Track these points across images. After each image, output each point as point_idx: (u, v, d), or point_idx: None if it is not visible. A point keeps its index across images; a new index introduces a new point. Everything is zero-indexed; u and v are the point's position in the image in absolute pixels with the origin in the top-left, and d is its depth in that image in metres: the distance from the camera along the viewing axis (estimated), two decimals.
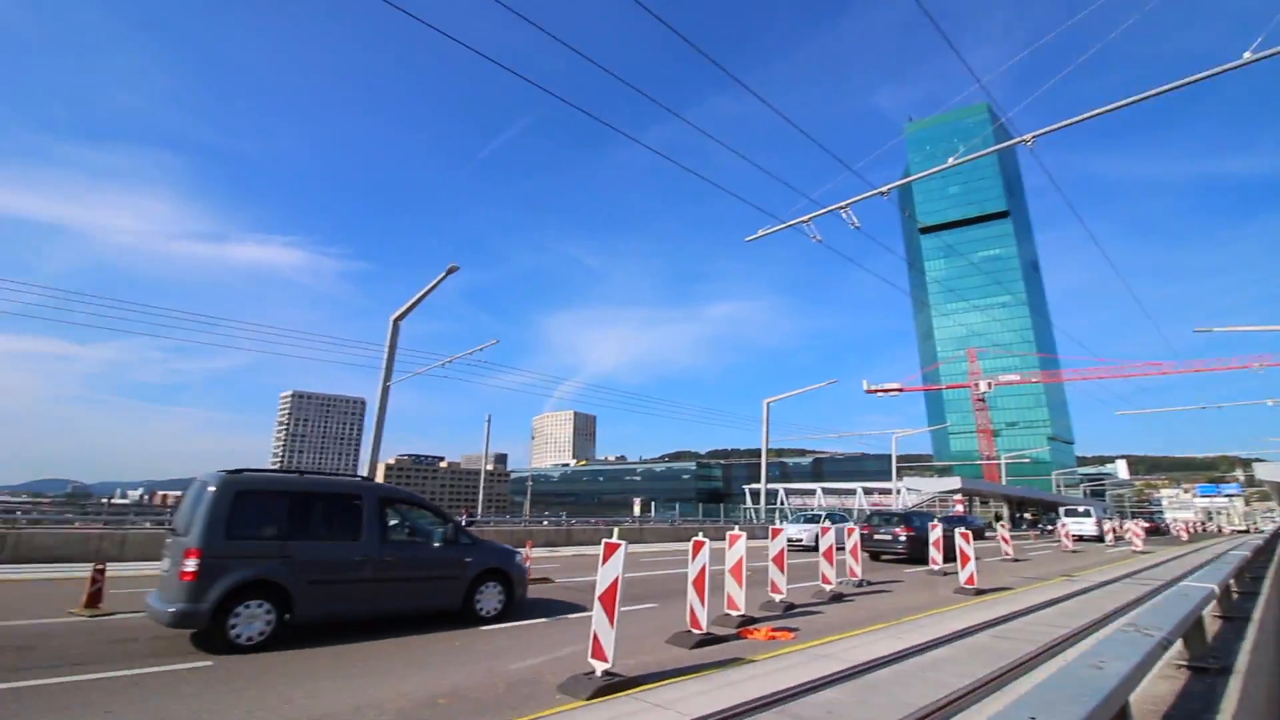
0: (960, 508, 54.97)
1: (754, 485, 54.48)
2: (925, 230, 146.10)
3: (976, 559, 11.97)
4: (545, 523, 29.74)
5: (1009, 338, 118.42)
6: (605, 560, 5.96)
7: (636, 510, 33.83)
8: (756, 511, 44.47)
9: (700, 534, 7.97)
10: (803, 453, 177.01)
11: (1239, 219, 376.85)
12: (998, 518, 51.81)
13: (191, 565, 6.31)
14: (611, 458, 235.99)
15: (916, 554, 18.33)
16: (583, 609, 9.70)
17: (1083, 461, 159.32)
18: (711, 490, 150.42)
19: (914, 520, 19.97)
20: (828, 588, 11.42)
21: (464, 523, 15.02)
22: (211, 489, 6.66)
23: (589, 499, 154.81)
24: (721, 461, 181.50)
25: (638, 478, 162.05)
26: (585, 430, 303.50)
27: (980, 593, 12.12)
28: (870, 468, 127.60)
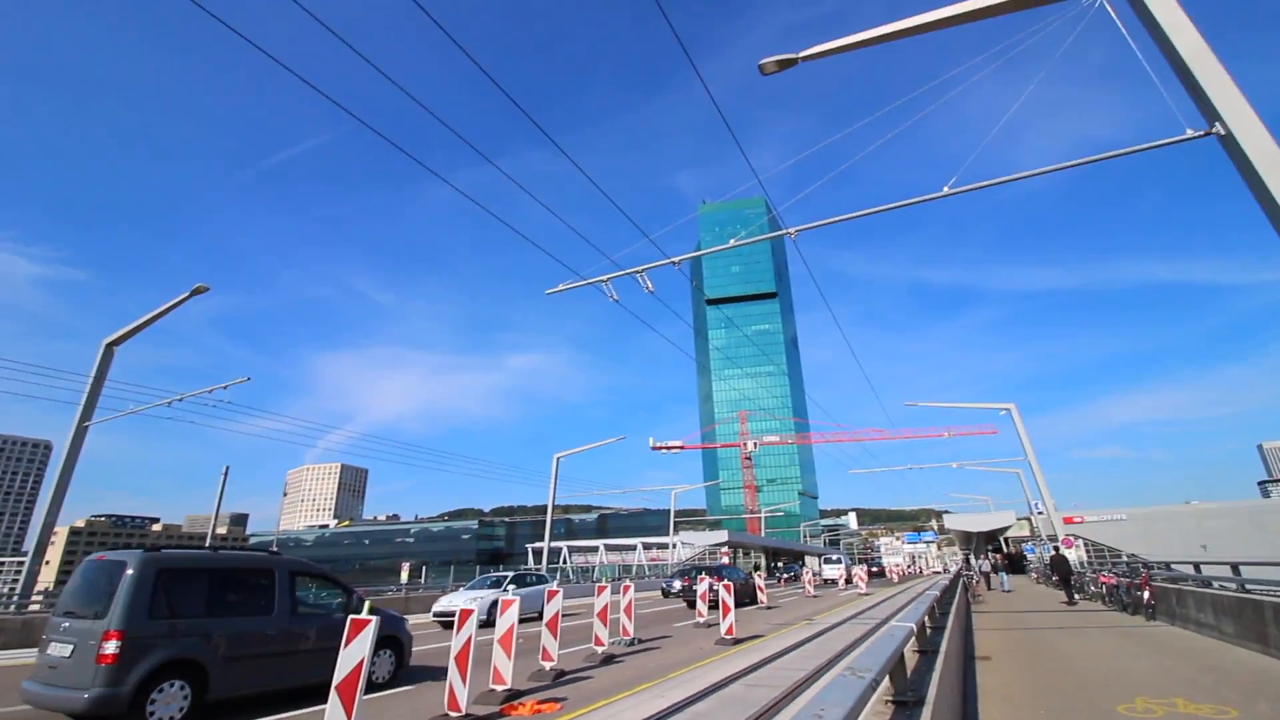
0: (726, 559, 59.77)
1: (538, 544, 53.52)
2: (710, 302, 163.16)
3: (737, 607, 13.09)
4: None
5: (772, 403, 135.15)
6: (348, 641, 5.28)
7: (404, 577, 30.93)
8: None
9: (466, 604, 7.48)
10: (588, 509, 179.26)
11: (938, 318, 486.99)
12: (756, 567, 57.38)
13: (112, 648, 6.16)
14: (382, 517, 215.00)
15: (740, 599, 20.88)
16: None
17: (824, 514, 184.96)
18: (494, 550, 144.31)
19: (724, 572, 23.39)
20: (600, 650, 11.44)
21: None
22: (130, 569, 6.61)
23: (348, 565, 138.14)
24: (506, 519, 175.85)
25: (410, 539, 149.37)
26: (353, 486, 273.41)
27: (738, 642, 13.10)
28: (652, 523, 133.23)
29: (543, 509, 42.52)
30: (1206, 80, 7.78)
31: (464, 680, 7.06)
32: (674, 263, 11.22)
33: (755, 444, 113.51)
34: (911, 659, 6.30)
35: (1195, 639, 12.90)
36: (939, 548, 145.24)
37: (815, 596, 29.44)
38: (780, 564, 67.26)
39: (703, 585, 16.89)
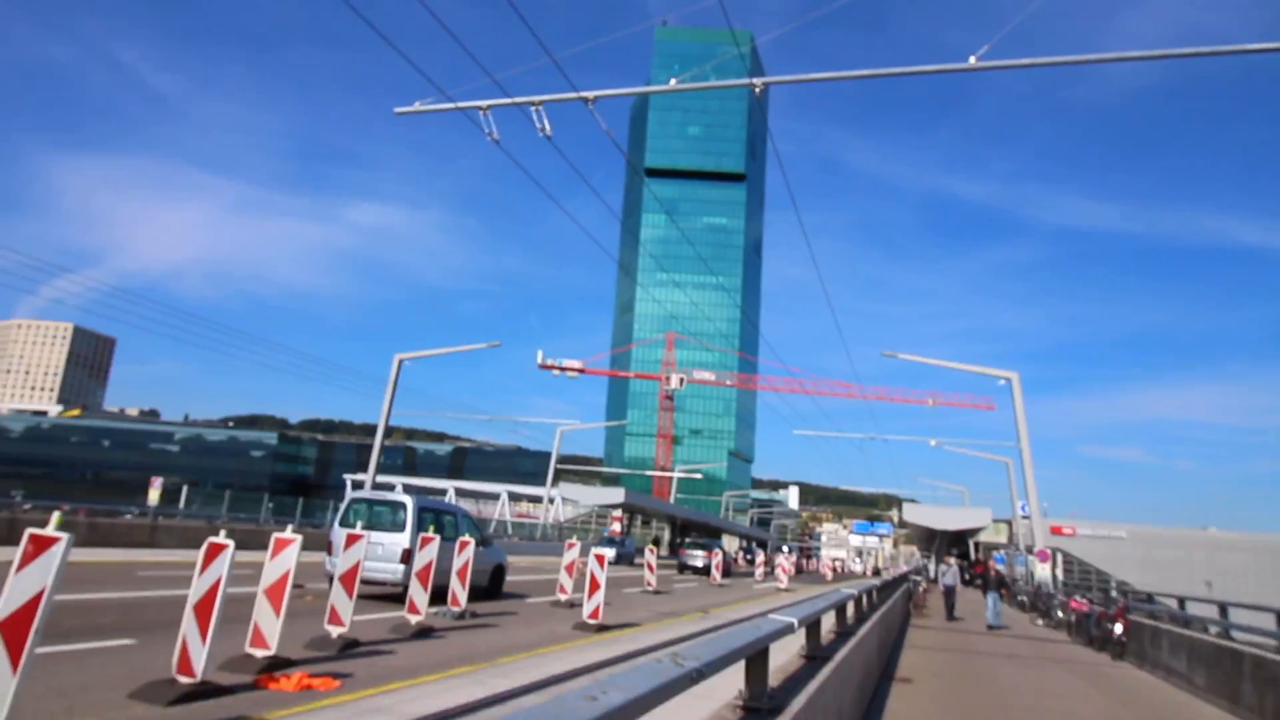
0: (617, 526, 62.45)
1: (361, 475, 53.58)
2: (651, 173, 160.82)
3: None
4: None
5: (712, 329, 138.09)
6: (20, 566, 5.16)
7: (153, 497, 30.30)
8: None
9: (224, 536, 7.45)
10: (440, 437, 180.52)
11: (955, 247, 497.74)
12: (655, 541, 60.39)
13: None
14: (134, 411, 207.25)
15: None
16: None
17: (757, 484, 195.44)
18: (297, 477, 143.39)
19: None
20: (414, 619, 11.82)
21: None
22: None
23: (79, 472, 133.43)
24: (320, 437, 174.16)
25: (175, 447, 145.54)
26: (91, 359, 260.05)
27: (603, 628, 13.90)
28: (526, 467, 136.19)
29: (373, 429, 42.38)
30: None
31: (204, 637, 7.12)
32: (586, 100, 10.89)
33: (682, 379, 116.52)
34: (794, 665, 6.91)
35: (1159, 687, 14.88)
36: (895, 544, 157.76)
37: (721, 586, 31.50)
38: (684, 540, 70.98)
39: (570, 553, 17.65)
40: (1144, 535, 77.73)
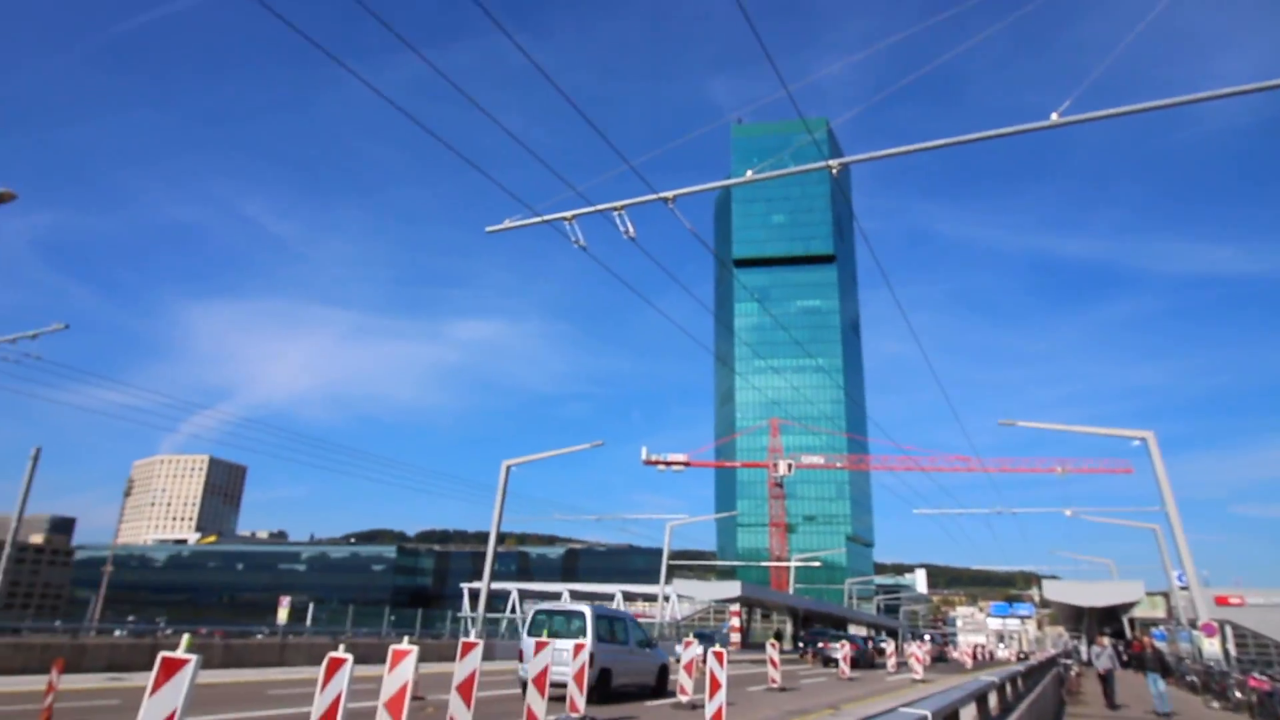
0: (736, 621, 60.37)
1: (476, 584, 54.02)
2: (740, 264, 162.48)
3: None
4: (119, 632, 26.15)
5: (815, 412, 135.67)
6: (153, 690, 5.33)
7: (282, 616, 31.21)
8: (473, 620, 44.11)
9: (343, 650, 7.54)
10: (552, 540, 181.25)
11: (1065, 306, 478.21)
12: (778, 635, 57.99)
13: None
14: (264, 534, 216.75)
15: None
16: None
17: (880, 569, 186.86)
18: (416, 589, 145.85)
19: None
20: None
21: None
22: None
23: (213, 596, 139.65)
24: (436, 547, 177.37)
25: (301, 566, 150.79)
26: (225, 489, 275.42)
27: None
28: (638, 565, 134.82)
29: (486, 537, 42.93)
30: None
31: None
32: (665, 199, 11.14)
33: (790, 465, 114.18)
34: None
35: None
36: (1039, 625, 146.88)
37: (851, 680, 29.80)
38: (811, 631, 68.00)
39: (688, 651, 17.08)
40: None
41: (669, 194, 11.17)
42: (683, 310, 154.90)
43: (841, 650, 33.09)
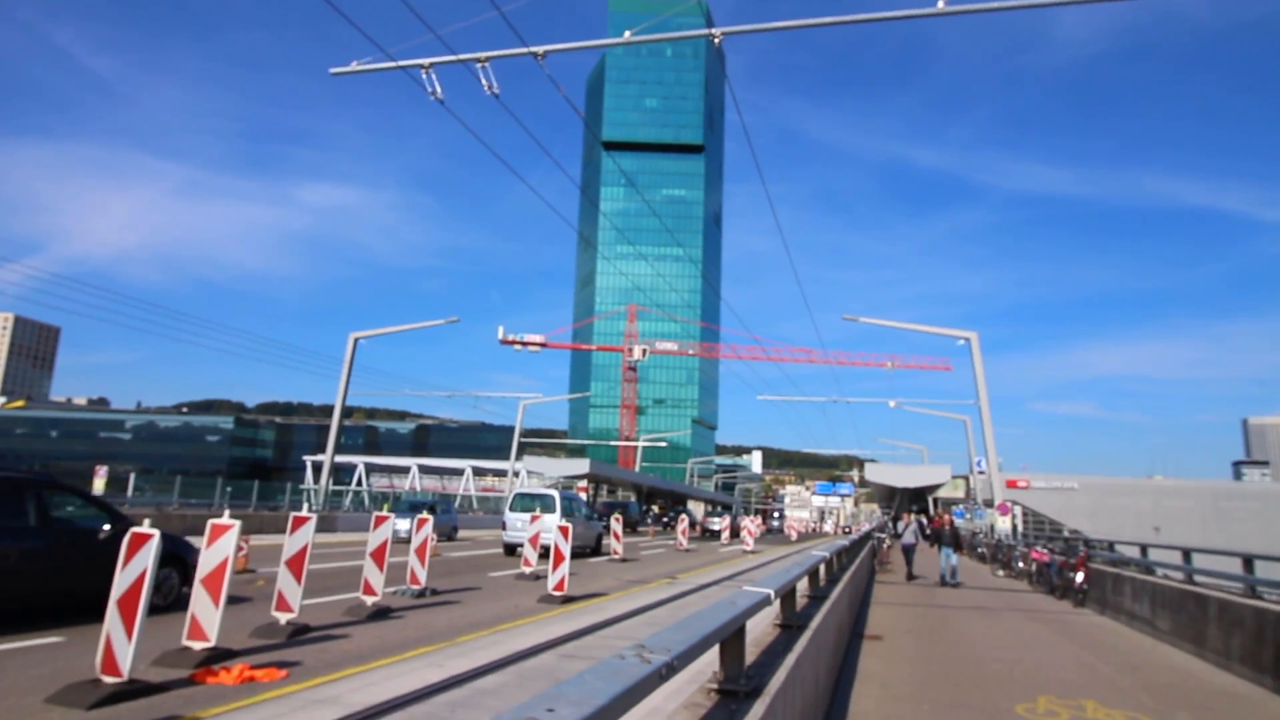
0: (584, 496, 62.11)
1: (320, 456, 52.50)
2: (609, 146, 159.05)
3: (583, 557, 13.49)
4: None
5: (674, 299, 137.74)
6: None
7: (98, 487, 29.16)
8: (317, 494, 43.05)
9: (149, 526, 6.83)
10: (403, 416, 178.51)
11: (916, 214, 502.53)
12: (623, 508, 60.27)
13: None
14: (82, 400, 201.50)
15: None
16: None
17: (721, 450, 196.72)
18: (255, 460, 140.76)
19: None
20: (370, 601, 11.28)
21: None
22: None
23: (25, 464, 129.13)
24: (278, 419, 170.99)
25: (127, 435, 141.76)
26: (35, 350, 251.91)
27: (569, 600, 13.50)
28: (490, 442, 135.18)
29: (333, 410, 41.38)
30: None
31: (129, 633, 6.50)
32: (536, 55, 10.21)
33: (645, 350, 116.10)
34: (769, 635, 6.50)
35: (1124, 633, 14.91)
36: (856, 503, 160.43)
37: (688, 551, 31.36)
38: (655, 508, 71.13)
39: (533, 526, 17.17)
40: (1094, 485, 79.39)
41: (539, 49, 10.25)
42: (549, 188, 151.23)
43: (681, 523, 34.66)
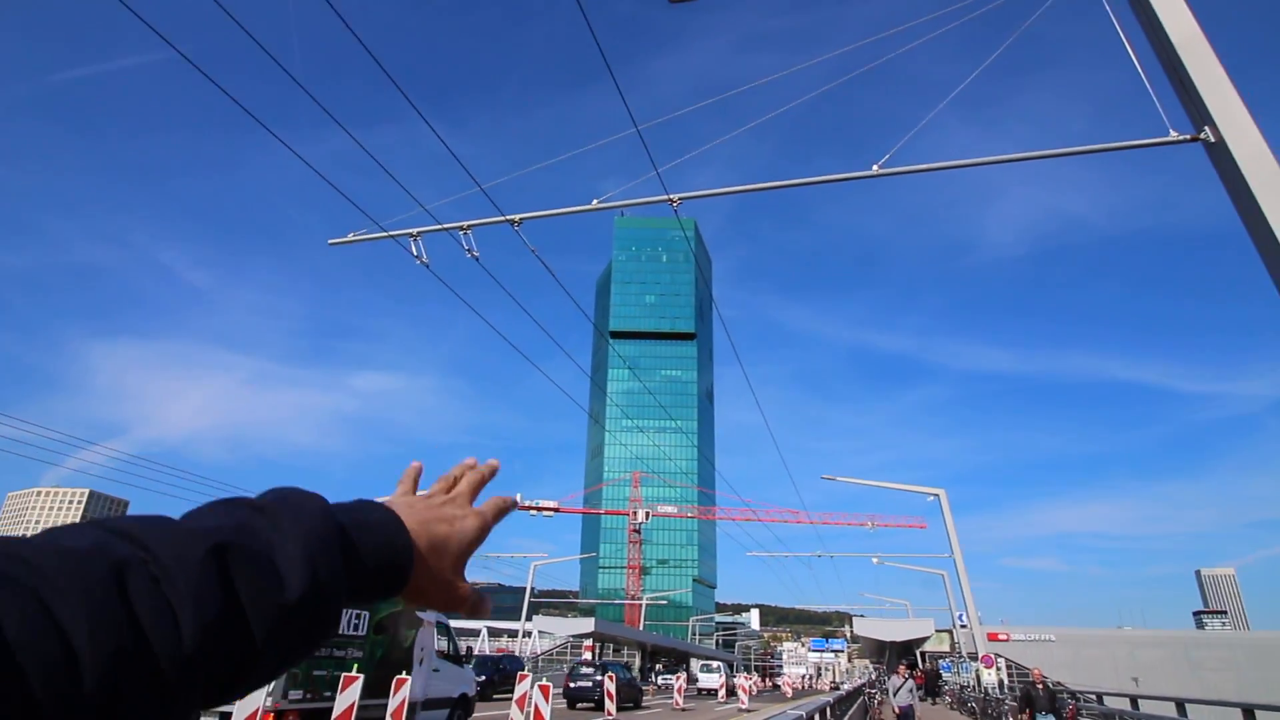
0: (588, 655, 57.59)
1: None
2: (615, 335, 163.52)
3: (575, 715, 11.62)
4: None
5: (672, 468, 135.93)
6: None
7: None
8: None
9: None
10: None
11: (879, 391, 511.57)
12: (626, 668, 55.66)
13: None
14: None
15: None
16: None
17: (720, 608, 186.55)
18: None
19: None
20: None
21: None
22: None
23: None
24: None
25: None
26: None
27: None
28: (506, 603, 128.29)
29: None
30: (1200, 78, 7.64)
31: None
32: (513, 223, 9.87)
33: (648, 514, 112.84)
34: None
35: None
36: (849, 659, 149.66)
37: (684, 710, 28.15)
38: (659, 666, 65.95)
39: (521, 685, 15.12)
40: (1070, 637, 74.01)
41: (516, 217, 9.92)
42: (564, 372, 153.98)
43: (678, 681, 31.38)
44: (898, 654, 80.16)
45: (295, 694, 10.52)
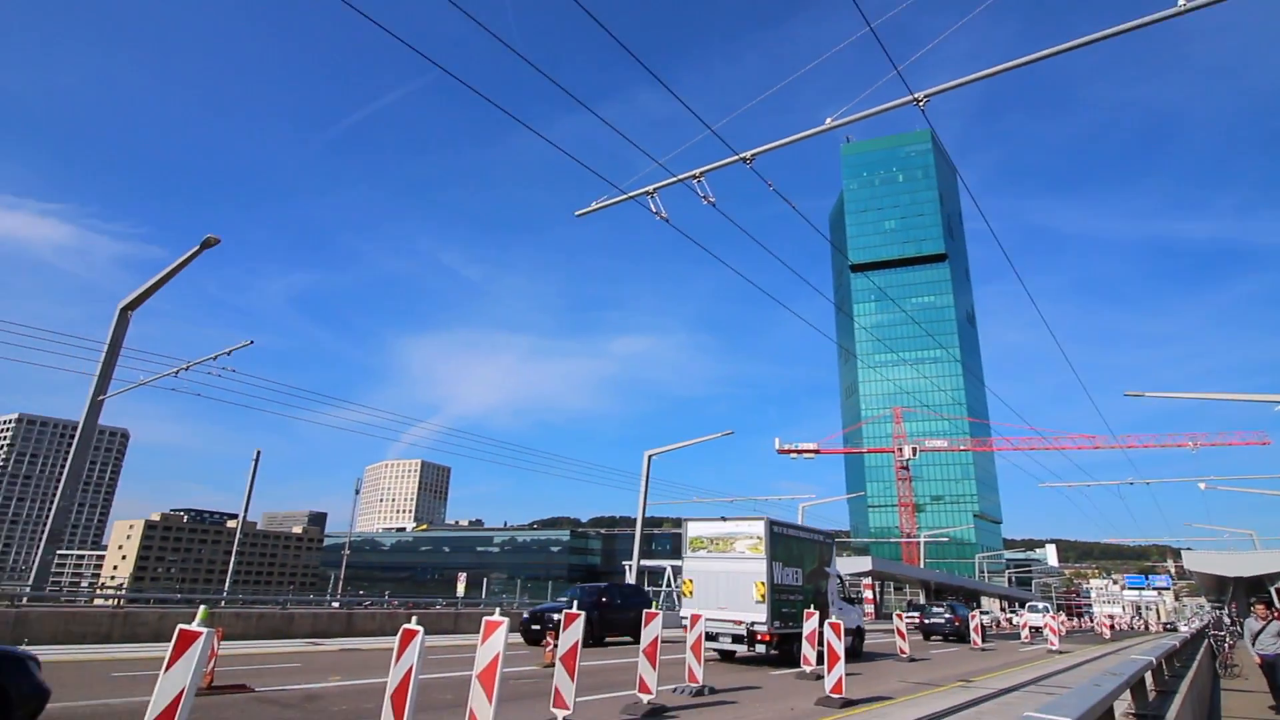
0: (869, 594, 56.42)
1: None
2: (856, 268, 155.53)
3: (857, 658, 11.36)
4: (366, 605, 27.10)
5: (939, 398, 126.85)
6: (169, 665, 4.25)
7: (460, 589, 31.46)
8: None
9: (415, 623, 6.39)
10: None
11: (1190, 287, 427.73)
12: (910, 605, 53.76)
13: None
14: (465, 522, 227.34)
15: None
16: None
17: (1009, 545, 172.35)
18: (588, 566, 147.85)
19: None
20: (645, 699, 10.09)
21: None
22: None
23: (427, 574, 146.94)
24: (604, 531, 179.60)
25: (495, 549, 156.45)
26: (435, 486, 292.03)
27: (848, 704, 11.27)
28: None
29: (653, 521, 41.90)
30: None
31: None
32: (745, 160, 9.43)
33: (914, 449, 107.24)
34: None
35: None
36: (1176, 596, 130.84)
37: (984, 650, 26.41)
38: (921, 604, 62.74)
39: (810, 622, 15.02)
40: None
41: (748, 153, 9.49)
42: (808, 314, 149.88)
43: (974, 619, 29.44)
44: (1246, 590, 68.08)
45: (776, 623, 16.50)
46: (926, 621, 33.18)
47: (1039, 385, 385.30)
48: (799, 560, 18.18)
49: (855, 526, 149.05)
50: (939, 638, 32.01)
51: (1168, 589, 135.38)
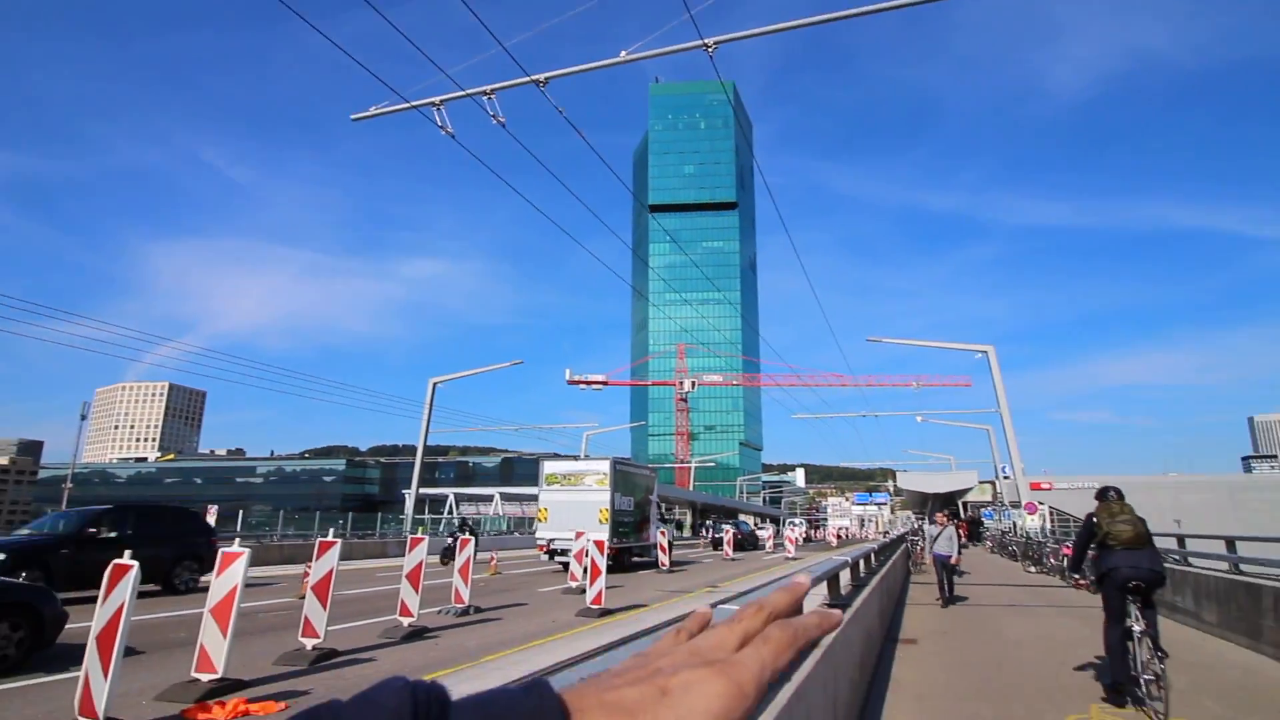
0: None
1: (421, 490, 52.04)
2: (654, 209, 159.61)
3: (632, 569, 12.17)
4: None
5: (718, 338, 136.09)
6: None
7: (211, 520, 28.82)
8: (401, 522, 42.36)
9: (129, 558, 5.76)
10: (488, 452, 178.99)
11: (929, 252, 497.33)
12: (679, 525, 58.21)
13: None
14: (223, 451, 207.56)
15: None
16: None
17: (767, 469, 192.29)
18: (365, 496, 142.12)
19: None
20: (406, 622, 10.05)
21: None
22: None
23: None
24: (384, 460, 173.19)
25: (258, 479, 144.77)
26: (186, 412, 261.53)
27: (606, 613, 12.06)
28: None
29: (435, 450, 40.84)
30: None
31: (106, 671, 5.39)
32: (538, 83, 9.15)
33: (694, 383, 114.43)
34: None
35: (1168, 626, 12.76)
36: (892, 510, 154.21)
37: (733, 560, 29.51)
38: (710, 522, 68.78)
39: (579, 541, 15.80)
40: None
41: (541, 76, 9.18)
42: (606, 250, 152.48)
43: (727, 534, 32.77)
44: (940, 504, 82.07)
45: (615, 540, 19.52)
46: (715, 535, 40.87)
47: (804, 328, 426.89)
48: (633, 490, 22.24)
49: (636, 454, 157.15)
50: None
51: (886, 503, 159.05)
